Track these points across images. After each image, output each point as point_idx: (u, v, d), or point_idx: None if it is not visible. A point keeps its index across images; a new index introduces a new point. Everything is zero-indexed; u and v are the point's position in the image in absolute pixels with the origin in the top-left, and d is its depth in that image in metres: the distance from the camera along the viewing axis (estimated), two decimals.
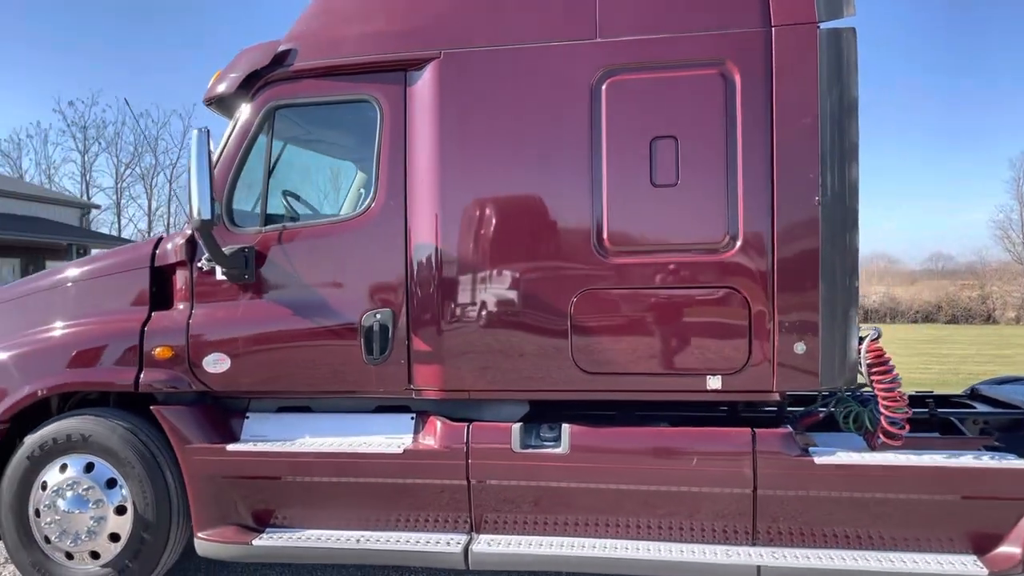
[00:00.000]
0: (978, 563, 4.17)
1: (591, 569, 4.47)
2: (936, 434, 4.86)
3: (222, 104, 5.05)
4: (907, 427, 4.33)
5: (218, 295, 4.88)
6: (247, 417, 4.99)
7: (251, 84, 4.88)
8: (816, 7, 4.30)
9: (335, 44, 4.79)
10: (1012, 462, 4.22)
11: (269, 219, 4.90)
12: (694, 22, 4.44)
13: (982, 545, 4.24)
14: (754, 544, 4.41)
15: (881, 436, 4.34)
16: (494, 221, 4.59)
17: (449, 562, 4.54)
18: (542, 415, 4.77)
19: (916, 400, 5.32)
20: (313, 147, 5.48)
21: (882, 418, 4.31)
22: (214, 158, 4.56)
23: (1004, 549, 4.20)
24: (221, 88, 4.95)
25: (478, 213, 4.60)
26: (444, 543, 4.56)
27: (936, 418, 5.02)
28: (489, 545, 4.53)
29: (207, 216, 4.42)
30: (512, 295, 4.57)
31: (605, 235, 4.48)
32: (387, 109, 4.70)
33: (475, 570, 4.57)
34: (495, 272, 4.58)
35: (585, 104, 4.48)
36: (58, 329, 5.10)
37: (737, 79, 4.36)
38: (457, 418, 4.74)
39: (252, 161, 4.89)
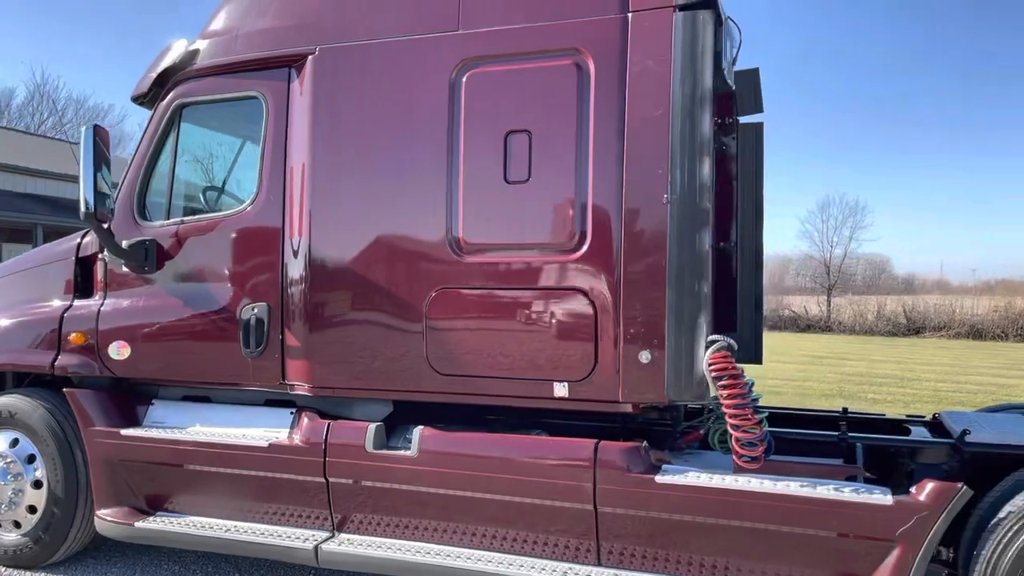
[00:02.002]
0: None
1: None
2: (811, 458, 4.38)
3: (145, 101, 5.32)
4: (761, 447, 3.93)
5: (127, 285, 5.13)
6: (152, 404, 5.21)
7: (163, 82, 5.12)
8: None
9: (231, 42, 4.94)
10: (868, 496, 3.74)
11: (173, 213, 5.12)
12: (552, 10, 4.25)
13: None
14: (599, 564, 4.15)
15: (735, 457, 3.97)
16: (359, 219, 4.57)
17: (302, 559, 4.55)
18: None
19: (827, 421, 4.85)
20: (217, 143, 5.65)
21: (732, 438, 3.94)
22: (109, 154, 4.81)
23: None
24: (141, 86, 5.21)
25: (344, 210, 4.60)
26: (300, 539, 4.58)
27: (846, 443, 4.51)
28: (339, 545, 4.50)
29: (90, 210, 4.67)
30: (373, 293, 4.53)
31: (460, 233, 4.37)
32: (272, 106, 4.79)
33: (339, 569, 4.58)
34: (358, 269, 4.56)
35: (445, 98, 4.39)
36: (0, 314, 5.54)
37: (592, 69, 4.14)
38: (332, 415, 4.75)
39: (162, 156, 5.12)
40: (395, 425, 4.65)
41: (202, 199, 5.32)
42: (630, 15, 4.08)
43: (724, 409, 3.91)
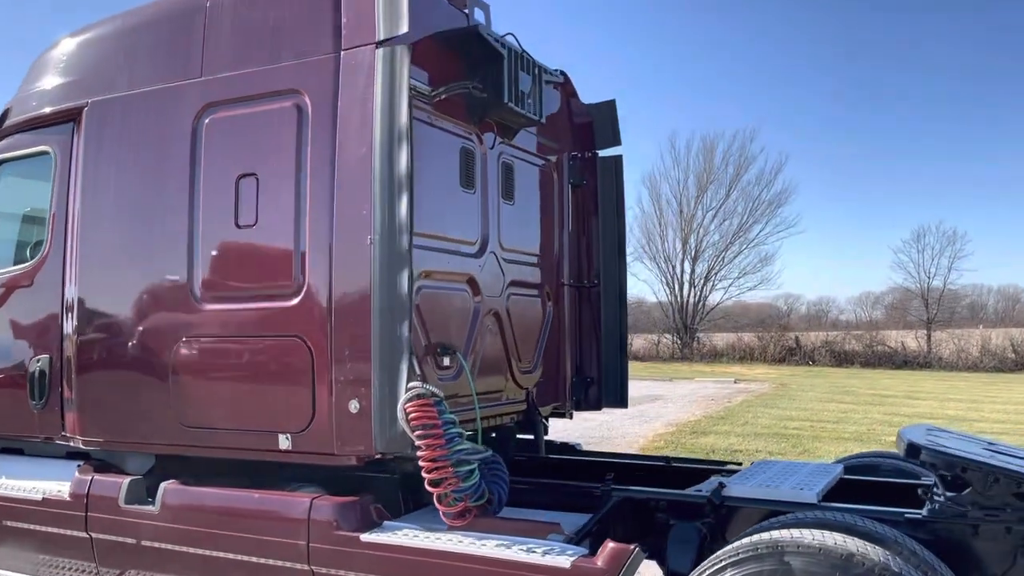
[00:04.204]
0: None
1: None
2: (532, 514, 4.00)
3: None
4: (464, 503, 3.63)
5: None
6: None
7: None
8: (376, 24, 3.86)
9: (30, 99, 5.08)
10: (547, 558, 3.40)
11: None
12: (277, 52, 4.17)
13: None
14: None
15: (441, 514, 3.69)
16: (117, 268, 4.56)
17: None
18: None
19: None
20: (33, 197, 5.77)
21: (434, 492, 3.66)
22: None
23: None
24: None
25: (105, 260, 4.60)
26: None
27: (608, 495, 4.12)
28: None
29: None
30: (130, 345, 4.48)
31: (199, 281, 4.29)
32: (59, 160, 4.86)
33: None
34: (117, 320, 4.53)
35: (189, 143, 4.35)
36: None
37: (310, 111, 4.02)
38: (118, 469, 4.71)
39: None
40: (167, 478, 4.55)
41: (11, 253, 5.44)
42: (342, 54, 3.95)
43: (420, 463, 3.63)
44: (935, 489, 3.55)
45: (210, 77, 4.34)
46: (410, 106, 3.80)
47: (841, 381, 29.37)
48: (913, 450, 3.57)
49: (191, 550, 4.20)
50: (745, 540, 3.15)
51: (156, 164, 4.48)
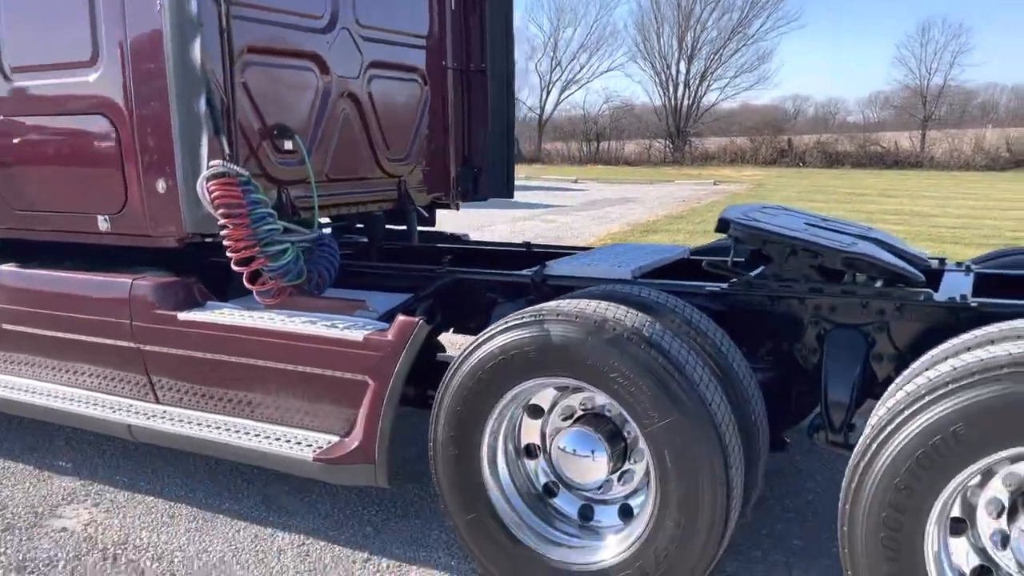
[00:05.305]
0: (316, 447, 3.50)
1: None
2: (346, 293, 4.01)
3: None
4: (276, 282, 3.61)
5: None
6: None
7: None
8: None
9: None
10: (344, 332, 3.44)
11: None
12: None
13: (339, 429, 3.55)
14: (157, 402, 4.04)
15: (255, 294, 3.69)
16: None
17: None
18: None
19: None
20: None
21: (243, 272, 3.64)
22: None
23: (341, 439, 3.49)
24: None
25: None
26: None
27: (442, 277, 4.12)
28: None
29: None
30: None
31: (5, 52, 4.08)
32: None
33: None
34: None
35: None
36: None
37: None
38: None
39: None
40: None
41: None
42: None
43: (225, 242, 3.59)
44: (733, 261, 3.52)
45: None
46: None
47: (824, 182, 29.22)
48: (722, 224, 3.51)
49: (28, 330, 4.27)
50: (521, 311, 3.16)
51: None
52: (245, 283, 3.64)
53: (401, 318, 3.35)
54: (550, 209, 18.54)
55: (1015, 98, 56.49)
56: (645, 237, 13.14)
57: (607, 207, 19.47)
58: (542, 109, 51.86)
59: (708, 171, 37.35)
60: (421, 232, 5.52)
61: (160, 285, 3.89)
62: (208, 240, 3.86)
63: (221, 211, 3.54)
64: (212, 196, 3.54)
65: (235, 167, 3.57)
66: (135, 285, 3.91)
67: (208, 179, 3.54)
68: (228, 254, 3.58)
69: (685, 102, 49.16)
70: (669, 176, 33.46)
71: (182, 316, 3.79)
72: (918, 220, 15.56)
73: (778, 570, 3.42)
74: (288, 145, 4.22)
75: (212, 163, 3.58)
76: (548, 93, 52.15)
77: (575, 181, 29.62)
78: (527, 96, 50.59)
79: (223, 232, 3.57)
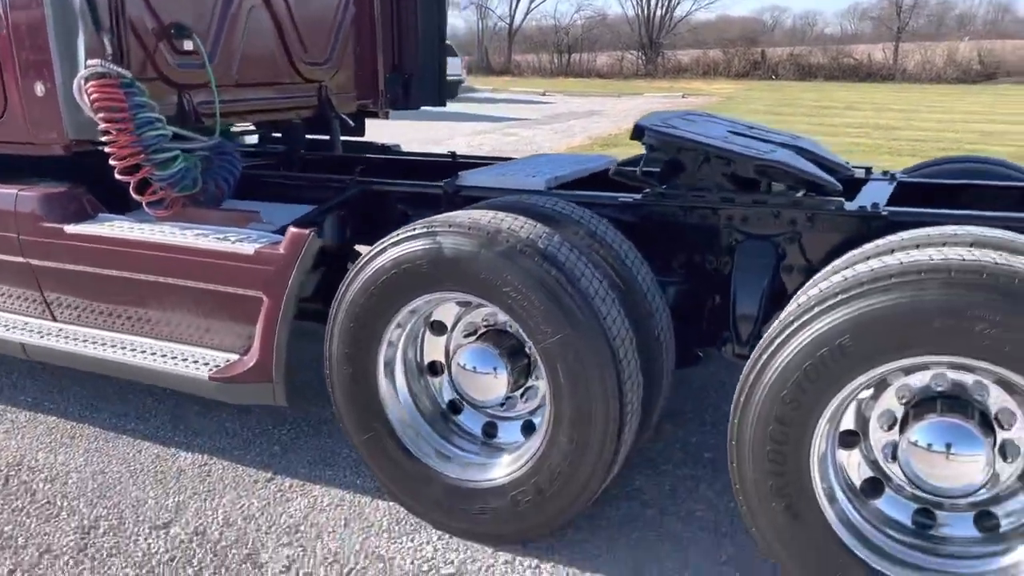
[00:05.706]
0: (213, 366, 3.37)
1: None
2: (244, 205, 3.82)
3: None
4: (165, 192, 3.42)
5: None
6: None
7: None
8: None
9: None
10: (234, 245, 3.26)
11: None
12: None
13: (237, 347, 3.41)
14: (54, 320, 3.87)
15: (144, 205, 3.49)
16: None
17: None
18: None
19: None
20: None
21: (128, 181, 3.43)
22: None
23: (240, 357, 3.36)
24: None
25: None
26: None
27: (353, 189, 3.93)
28: None
29: None
30: None
31: None
32: None
33: None
34: None
35: None
36: None
37: None
38: None
39: None
40: None
41: None
42: None
43: (107, 149, 3.37)
44: (647, 171, 3.36)
45: None
46: None
47: (794, 95, 28.88)
48: (637, 132, 3.33)
49: None
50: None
51: None
52: (132, 193, 3.44)
53: (292, 230, 3.18)
54: (513, 123, 18.15)
55: (992, 10, 55.92)
56: (604, 150, 12.89)
57: (571, 120, 19.12)
58: (512, 18, 50.50)
59: (680, 84, 36.78)
60: (347, 143, 5.29)
61: (46, 196, 3.67)
62: (101, 148, 3.63)
63: (101, 115, 3.31)
64: (91, 99, 3.30)
65: (116, 67, 3.32)
66: (20, 197, 3.69)
67: (85, 80, 3.29)
68: (112, 162, 3.37)
69: (658, 12, 48.07)
70: (639, 89, 32.91)
71: (69, 229, 3.59)
72: (880, 133, 15.41)
73: (686, 483, 3.38)
74: (188, 46, 3.94)
75: (90, 62, 3.32)
76: (518, 1, 50.69)
77: (543, 94, 28.99)
78: (496, 4, 49.18)
79: (105, 138, 3.34)
